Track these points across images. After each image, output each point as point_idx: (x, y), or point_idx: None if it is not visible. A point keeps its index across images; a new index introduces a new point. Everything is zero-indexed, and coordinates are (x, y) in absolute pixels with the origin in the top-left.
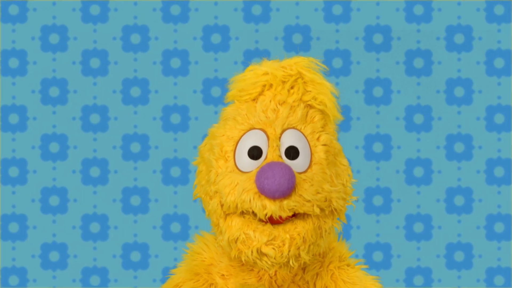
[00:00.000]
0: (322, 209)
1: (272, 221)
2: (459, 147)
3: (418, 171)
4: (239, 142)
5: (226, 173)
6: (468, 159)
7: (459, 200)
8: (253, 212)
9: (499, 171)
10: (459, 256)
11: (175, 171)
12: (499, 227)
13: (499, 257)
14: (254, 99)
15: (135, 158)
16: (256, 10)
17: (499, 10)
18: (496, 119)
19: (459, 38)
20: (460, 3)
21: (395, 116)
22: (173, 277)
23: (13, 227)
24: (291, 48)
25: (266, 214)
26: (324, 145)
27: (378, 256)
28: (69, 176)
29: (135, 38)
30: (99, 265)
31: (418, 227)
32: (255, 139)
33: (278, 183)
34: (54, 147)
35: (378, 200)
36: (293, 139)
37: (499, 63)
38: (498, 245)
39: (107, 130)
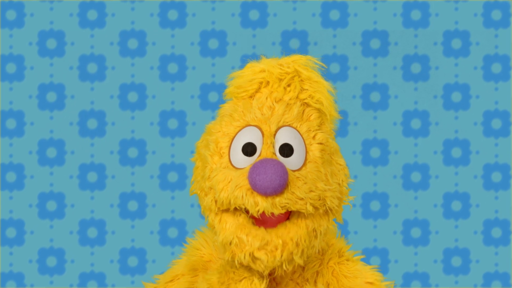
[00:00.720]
0: (316, 208)
1: (265, 218)
2: (456, 152)
3: (416, 176)
4: (234, 138)
5: (220, 169)
6: (466, 164)
7: (456, 205)
8: (246, 209)
9: (496, 176)
10: (456, 261)
11: (173, 176)
12: (496, 232)
13: (497, 262)
14: (250, 96)
15: (133, 163)
16: (254, 15)
17: (496, 15)
18: (493, 124)
19: (456, 43)
20: (458, 8)
21: (393, 121)
22: (173, 268)
23: (11, 232)
24: (289, 53)
25: (258, 211)
26: (320, 143)
27: (375, 261)
28: (66, 181)
29: (133, 43)
30: (97, 270)
31: (416, 232)
32: (250, 135)
33: (269, 179)
34: (51, 152)
35: (375, 205)
36: (288, 137)
37: (496, 68)
38: (496, 250)
39: (105, 135)
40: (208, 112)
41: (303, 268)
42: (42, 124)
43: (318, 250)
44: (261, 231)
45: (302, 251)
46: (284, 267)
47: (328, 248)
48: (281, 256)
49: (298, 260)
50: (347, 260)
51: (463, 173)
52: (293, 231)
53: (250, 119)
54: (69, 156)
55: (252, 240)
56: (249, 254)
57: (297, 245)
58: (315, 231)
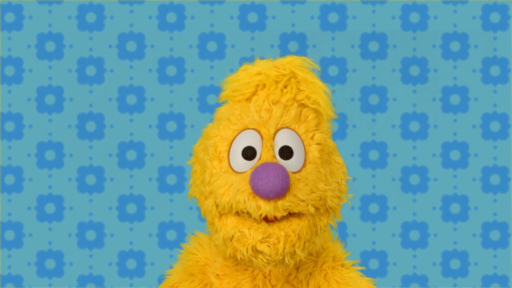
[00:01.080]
0: (317, 208)
1: (267, 220)
2: (455, 155)
3: (414, 179)
4: (233, 142)
5: (221, 173)
6: (464, 167)
7: (455, 208)
8: (248, 212)
9: (495, 179)
10: (455, 264)
11: (171, 179)
12: (495, 235)
13: (495, 265)
14: (247, 99)
15: (131, 166)
16: (252, 17)
17: (495, 18)
18: (492, 127)
19: (455, 46)
20: (456, 11)
21: (391, 124)
22: (169, 277)
23: (9, 235)
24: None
25: (260, 215)
26: (318, 144)
27: (374, 263)
28: (65, 184)
29: (131, 46)
30: (95, 273)
31: (414, 235)
32: (249, 139)
33: (272, 184)
34: (50, 155)
35: (374, 208)
36: (287, 139)
37: (495, 71)
38: (494, 253)
39: (103, 138)
40: (206, 114)
41: (297, 269)
42: (40, 126)
43: (315, 250)
44: (262, 224)
45: (304, 244)
46: (286, 260)
47: (323, 251)
48: (284, 248)
49: (300, 254)
50: (342, 266)
51: (462, 175)
52: (295, 224)
53: (248, 122)
54: (68, 158)
55: (254, 233)
56: (252, 248)
57: (299, 237)
58: (316, 225)
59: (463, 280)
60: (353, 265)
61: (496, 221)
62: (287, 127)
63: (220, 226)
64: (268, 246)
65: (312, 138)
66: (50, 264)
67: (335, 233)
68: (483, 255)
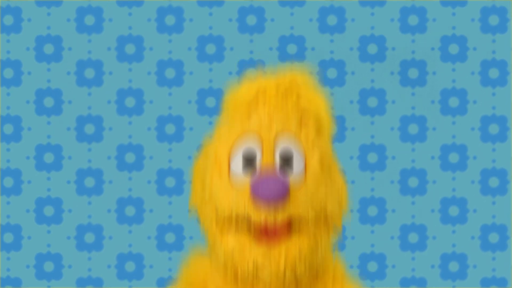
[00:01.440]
0: (317, 215)
1: (267, 230)
2: (453, 158)
3: (413, 182)
4: (233, 146)
5: (220, 177)
6: (463, 170)
7: (453, 211)
8: (247, 217)
9: (494, 182)
10: (453, 266)
11: (170, 182)
12: (494, 238)
13: (494, 267)
14: (248, 104)
15: (130, 168)
16: (251, 20)
17: (494, 20)
18: (491, 129)
19: (453, 49)
20: (455, 13)
21: (390, 127)
22: None
23: (8, 238)
24: (286, 59)
25: (261, 221)
26: (318, 151)
27: (372, 266)
28: (63, 186)
29: (130, 49)
30: (94, 276)
31: (413, 238)
32: (249, 143)
33: (272, 191)
34: (48, 158)
35: (372, 211)
36: (288, 144)
37: (494, 73)
38: (493, 256)
39: (102, 140)
40: (205, 117)
41: (298, 282)
42: (39, 129)
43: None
44: (263, 241)
45: (305, 262)
46: (286, 277)
47: (324, 264)
48: (284, 266)
49: (301, 271)
50: (343, 278)
51: (461, 178)
52: (295, 241)
53: (249, 127)
54: (67, 161)
55: (255, 249)
56: (252, 264)
57: (300, 255)
58: (317, 242)
59: (462, 282)
60: (352, 276)
61: (495, 223)
62: (287, 133)
63: (219, 242)
64: (269, 263)
65: (312, 144)
66: (48, 266)
67: (335, 249)
68: (482, 257)
